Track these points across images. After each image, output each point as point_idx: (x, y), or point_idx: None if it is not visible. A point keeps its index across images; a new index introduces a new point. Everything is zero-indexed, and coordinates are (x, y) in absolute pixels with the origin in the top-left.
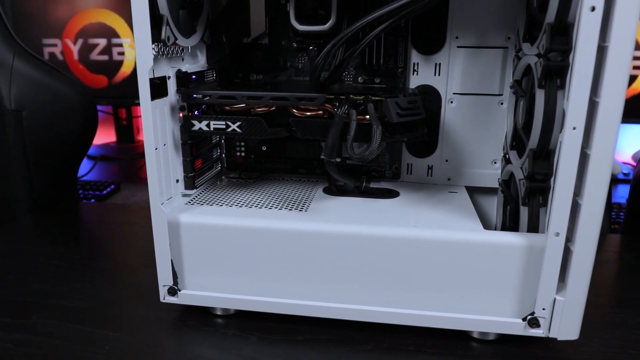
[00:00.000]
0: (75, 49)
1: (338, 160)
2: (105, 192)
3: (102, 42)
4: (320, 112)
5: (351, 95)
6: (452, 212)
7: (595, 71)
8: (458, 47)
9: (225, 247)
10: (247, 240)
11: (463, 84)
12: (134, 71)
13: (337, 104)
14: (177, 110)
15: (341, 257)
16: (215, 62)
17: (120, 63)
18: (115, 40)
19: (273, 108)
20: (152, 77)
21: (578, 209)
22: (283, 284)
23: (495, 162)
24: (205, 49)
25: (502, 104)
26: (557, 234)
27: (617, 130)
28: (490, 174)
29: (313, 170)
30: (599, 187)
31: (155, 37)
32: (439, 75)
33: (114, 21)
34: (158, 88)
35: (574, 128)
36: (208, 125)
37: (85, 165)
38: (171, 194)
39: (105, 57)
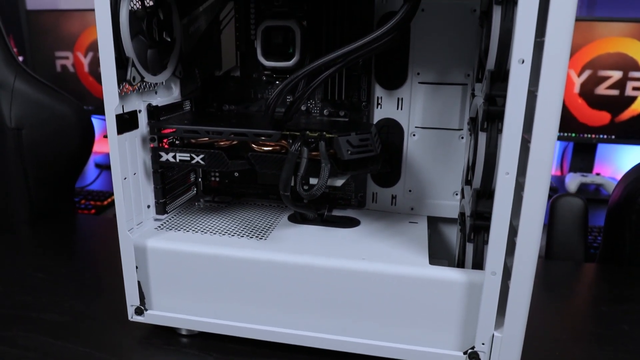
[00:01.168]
0: (85, 61)
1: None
2: (105, 202)
3: None
4: (278, 147)
5: (307, 132)
6: (404, 245)
7: (526, 115)
8: (419, 82)
9: (187, 271)
10: (207, 267)
11: (424, 118)
12: None
13: (291, 140)
14: (148, 140)
15: (293, 285)
16: (189, 94)
17: None
18: None
19: (235, 142)
20: (119, 113)
21: (514, 247)
22: (242, 308)
23: (456, 194)
24: (179, 82)
25: (462, 138)
26: (494, 273)
27: (550, 171)
28: (451, 205)
29: None
30: (533, 227)
31: (121, 77)
32: (401, 109)
33: None
34: (127, 122)
35: (507, 173)
36: (174, 157)
37: (91, 174)
38: (142, 218)
39: None
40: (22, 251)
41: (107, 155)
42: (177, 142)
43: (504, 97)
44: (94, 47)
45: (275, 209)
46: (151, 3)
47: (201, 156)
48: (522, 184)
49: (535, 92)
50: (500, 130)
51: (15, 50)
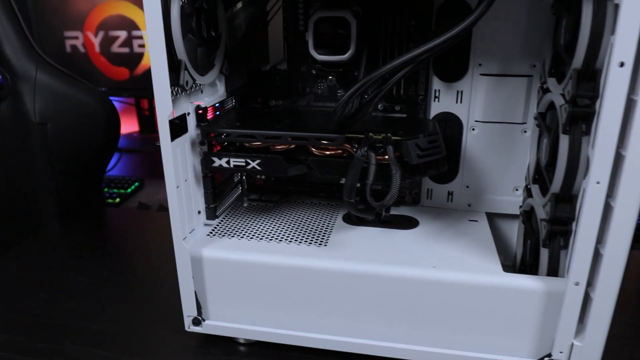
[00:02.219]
0: (96, 41)
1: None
2: (129, 190)
3: (122, 34)
4: (340, 151)
5: (370, 134)
6: (471, 248)
7: (622, 123)
8: (481, 74)
9: (246, 281)
10: (267, 276)
11: (485, 111)
12: None
13: (357, 145)
14: (197, 144)
15: (360, 294)
16: (234, 90)
17: (140, 55)
18: (135, 33)
19: (293, 146)
20: (171, 119)
21: (600, 258)
22: (304, 317)
23: (517, 190)
24: (224, 79)
25: (525, 132)
26: (577, 284)
27: None
28: (511, 201)
29: (333, 194)
30: (622, 239)
31: (174, 82)
32: (460, 102)
33: (134, 13)
34: (178, 128)
35: (598, 182)
36: (228, 162)
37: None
38: (193, 225)
39: (126, 50)
40: (57, 252)
41: (124, 136)
42: (227, 144)
43: (590, 98)
44: (104, 26)
45: (325, 208)
46: None
47: (257, 161)
48: (612, 193)
49: (635, 98)
50: (585, 133)
51: None
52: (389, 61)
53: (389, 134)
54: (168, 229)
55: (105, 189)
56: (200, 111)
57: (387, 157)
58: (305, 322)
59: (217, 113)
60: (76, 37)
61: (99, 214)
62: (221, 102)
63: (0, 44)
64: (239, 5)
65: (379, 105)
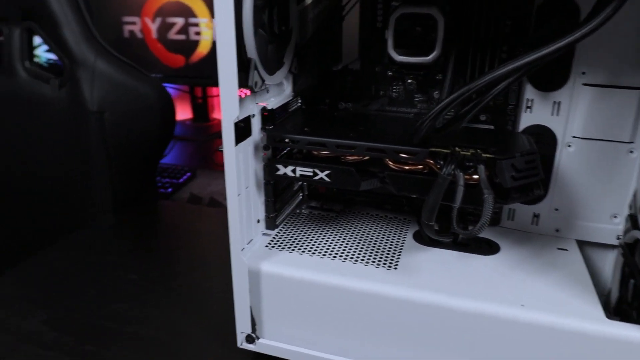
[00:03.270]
0: (153, 27)
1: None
2: (181, 180)
3: (179, 21)
4: (420, 166)
5: (457, 150)
6: (565, 284)
7: None
8: (584, 84)
9: (306, 301)
10: (330, 298)
11: (586, 126)
12: (211, 52)
13: (442, 162)
14: (260, 149)
15: (434, 329)
16: (302, 91)
17: (196, 43)
18: (192, 20)
19: (366, 157)
20: (236, 121)
21: None
22: (366, 347)
23: (615, 217)
24: (291, 78)
25: (631, 152)
26: None
27: None
28: (607, 229)
29: (401, 207)
30: None
31: (242, 84)
32: (557, 115)
33: (191, 0)
34: (242, 131)
35: None
36: (293, 171)
37: None
38: (252, 235)
39: (182, 37)
40: (109, 246)
41: (178, 124)
42: (295, 152)
43: None
44: (161, 12)
45: (393, 223)
46: None
47: (326, 172)
48: None
49: None
50: None
51: None
52: (492, 69)
53: (479, 151)
54: (221, 228)
55: (158, 178)
56: (266, 113)
57: (476, 177)
58: (368, 353)
59: (281, 114)
60: (134, 23)
61: (152, 206)
62: (287, 103)
63: (60, 29)
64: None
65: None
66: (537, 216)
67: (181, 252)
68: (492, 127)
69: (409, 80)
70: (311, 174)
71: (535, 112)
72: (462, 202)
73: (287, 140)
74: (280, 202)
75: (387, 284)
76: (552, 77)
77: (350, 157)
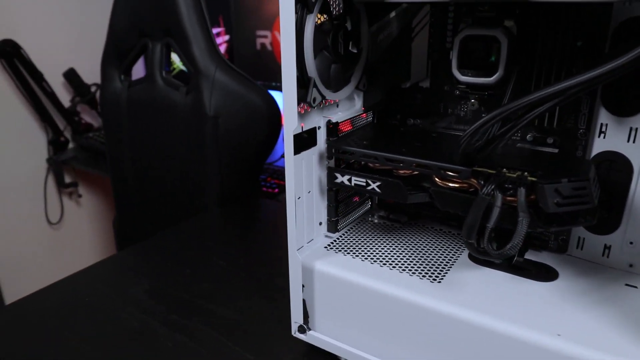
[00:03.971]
0: None
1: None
2: None
3: None
4: (466, 185)
5: (504, 171)
6: (620, 322)
7: None
8: None
9: (350, 301)
10: (369, 302)
11: None
12: None
13: (483, 181)
14: (325, 157)
15: (465, 346)
16: (371, 106)
17: None
18: None
19: (416, 172)
20: (298, 132)
21: None
22: (403, 354)
23: None
24: (362, 94)
25: None
26: None
27: None
28: None
29: None
30: None
31: (301, 98)
32: (633, 142)
33: None
34: (305, 141)
35: None
36: (349, 180)
37: (280, 149)
38: (313, 235)
39: None
40: (211, 233)
41: None
42: (354, 163)
43: None
44: None
45: (454, 239)
46: (340, 12)
47: (377, 184)
48: None
49: None
50: None
51: (223, 29)
52: (536, 89)
53: (525, 173)
54: None
55: (268, 179)
56: (331, 126)
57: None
58: (401, 357)
59: (354, 128)
60: (265, 36)
61: (254, 204)
62: (355, 117)
63: (190, 44)
64: (384, 20)
65: (528, 136)
66: (609, 248)
67: (271, 247)
68: (555, 150)
69: (472, 100)
70: (364, 184)
71: (610, 138)
72: (501, 223)
73: (344, 151)
74: (344, 208)
75: (422, 295)
76: (629, 101)
77: (401, 171)
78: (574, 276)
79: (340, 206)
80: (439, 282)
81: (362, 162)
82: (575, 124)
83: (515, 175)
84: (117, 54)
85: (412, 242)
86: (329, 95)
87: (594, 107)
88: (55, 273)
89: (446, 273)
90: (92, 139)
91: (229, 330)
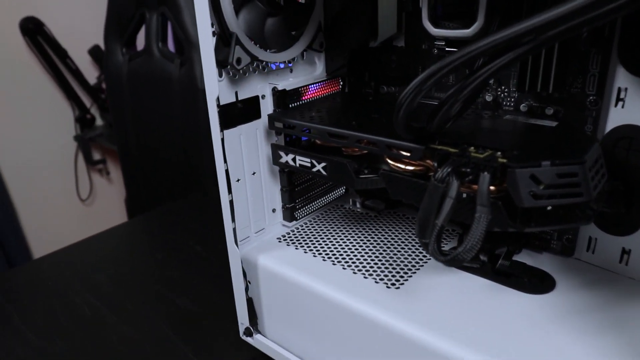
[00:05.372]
0: None
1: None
2: None
3: None
4: (422, 167)
5: (471, 150)
6: (630, 353)
7: None
8: None
9: (295, 303)
10: (313, 305)
11: None
12: None
13: (436, 163)
14: (273, 132)
15: None
16: (336, 71)
17: None
18: None
19: (365, 152)
20: (229, 102)
21: None
22: None
23: None
24: (323, 56)
25: None
26: None
27: None
28: None
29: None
30: None
31: (222, 59)
32: None
33: None
34: (240, 113)
35: None
36: (294, 160)
37: None
38: (264, 224)
39: None
40: (197, 215)
41: None
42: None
43: None
44: None
45: None
46: None
47: (322, 164)
48: None
49: None
50: None
51: None
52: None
53: (498, 153)
54: None
55: None
56: (277, 94)
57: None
58: None
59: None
60: None
61: None
62: (318, 83)
63: (181, 12)
64: None
65: (522, 105)
66: (628, 253)
67: None
68: (553, 124)
69: None
70: (309, 164)
71: (630, 108)
72: (460, 219)
73: (284, 124)
74: (306, 192)
75: (370, 304)
76: None
77: (351, 150)
78: (576, 287)
79: (299, 190)
80: (397, 287)
81: (312, 140)
82: (582, 89)
83: (482, 156)
84: (118, 27)
85: (382, 236)
86: (265, 56)
87: (608, 64)
88: None
89: (409, 277)
90: None
91: (180, 323)
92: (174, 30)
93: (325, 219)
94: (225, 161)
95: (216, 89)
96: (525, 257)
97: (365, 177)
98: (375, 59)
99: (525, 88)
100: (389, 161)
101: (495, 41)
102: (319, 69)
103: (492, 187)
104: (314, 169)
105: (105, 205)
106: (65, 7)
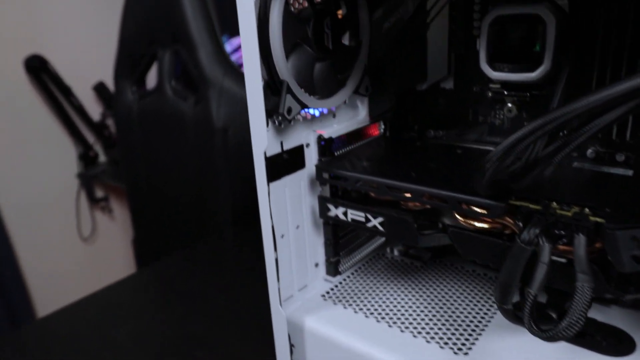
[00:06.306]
0: None
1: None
2: None
3: None
4: (498, 225)
5: (553, 205)
6: None
7: None
8: None
9: None
10: None
11: None
12: None
13: (521, 223)
14: (317, 182)
15: None
16: (380, 115)
17: None
18: None
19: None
20: (275, 153)
21: None
22: None
23: None
24: (366, 100)
25: None
26: None
27: None
28: None
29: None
30: None
31: (272, 109)
32: None
33: None
34: (285, 164)
35: None
36: (345, 214)
37: None
38: (307, 280)
39: None
40: (217, 261)
41: None
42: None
43: None
44: None
45: (488, 286)
46: None
47: (379, 220)
48: None
49: None
50: None
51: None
52: (599, 88)
53: (585, 210)
54: None
55: None
56: (323, 142)
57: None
58: None
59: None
60: None
61: None
62: (360, 131)
63: (196, 50)
64: (390, 3)
65: (588, 151)
66: None
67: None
68: (629, 173)
69: (509, 105)
70: (363, 219)
71: None
72: (549, 284)
73: (335, 175)
74: (348, 243)
75: None
76: None
77: (411, 204)
78: None
79: (342, 242)
80: (465, 353)
81: (363, 192)
82: None
83: (570, 214)
84: (128, 65)
85: (434, 289)
86: (313, 103)
87: None
88: (88, 288)
89: (476, 340)
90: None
91: None
92: (188, 68)
93: (368, 272)
94: (271, 216)
95: (264, 140)
96: (593, 312)
97: (430, 234)
98: (422, 102)
99: (599, 135)
100: (458, 217)
101: (609, 95)
102: (362, 113)
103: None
104: (369, 224)
105: (108, 243)
106: (70, 44)
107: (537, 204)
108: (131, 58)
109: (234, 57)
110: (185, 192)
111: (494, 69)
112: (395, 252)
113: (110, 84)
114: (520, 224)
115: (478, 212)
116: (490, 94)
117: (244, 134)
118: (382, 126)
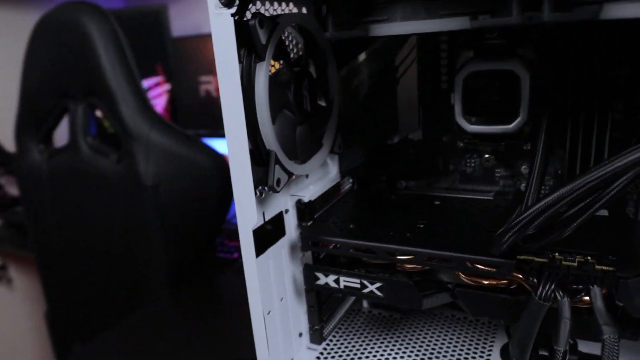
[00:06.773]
0: None
1: None
2: None
3: None
4: (504, 280)
5: (556, 257)
6: None
7: None
8: None
9: None
10: None
11: None
12: None
13: (534, 277)
14: (298, 249)
15: None
16: (350, 171)
17: None
18: None
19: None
20: (259, 225)
21: None
22: None
23: None
24: (337, 158)
25: None
26: None
27: None
28: None
29: None
30: None
31: (261, 182)
32: None
33: None
34: (268, 235)
35: None
36: (337, 282)
37: None
38: (292, 353)
39: None
40: (159, 332)
41: None
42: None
43: None
44: None
45: (474, 329)
46: (300, 54)
47: (377, 285)
48: None
49: None
50: None
51: (163, 77)
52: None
53: (588, 258)
54: None
55: (224, 241)
56: (302, 207)
57: (586, 299)
58: None
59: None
60: (209, 82)
61: (213, 281)
62: (333, 189)
63: (116, 103)
64: (359, 60)
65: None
66: None
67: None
68: (606, 212)
69: (487, 156)
70: (358, 286)
71: None
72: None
73: (325, 243)
74: (329, 308)
75: None
76: None
77: (410, 266)
78: None
79: (325, 307)
80: None
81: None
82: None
83: (576, 264)
84: (33, 121)
85: (418, 341)
86: (296, 169)
87: None
88: None
89: None
90: (21, 215)
91: None
92: (106, 122)
93: (349, 331)
94: (259, 293)
95: (254, 217)
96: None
97: (433, 296)
98: (392, 154)
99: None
100: (461, 275)
101: (633, 160)
102: (333, 170)
103: (586, 298)
104: (365, 290)
105: (5, 319)
106: None
107: (541, 257)
108: (36, 113)
109: None
110: (111, 256)
111: (470, 122)
112: (365, 305)
113: (3, 139)
114: (531, 279)
115: (483, 270)
116: (462, 145)
117: (176, 189)
118: (350, 180)
